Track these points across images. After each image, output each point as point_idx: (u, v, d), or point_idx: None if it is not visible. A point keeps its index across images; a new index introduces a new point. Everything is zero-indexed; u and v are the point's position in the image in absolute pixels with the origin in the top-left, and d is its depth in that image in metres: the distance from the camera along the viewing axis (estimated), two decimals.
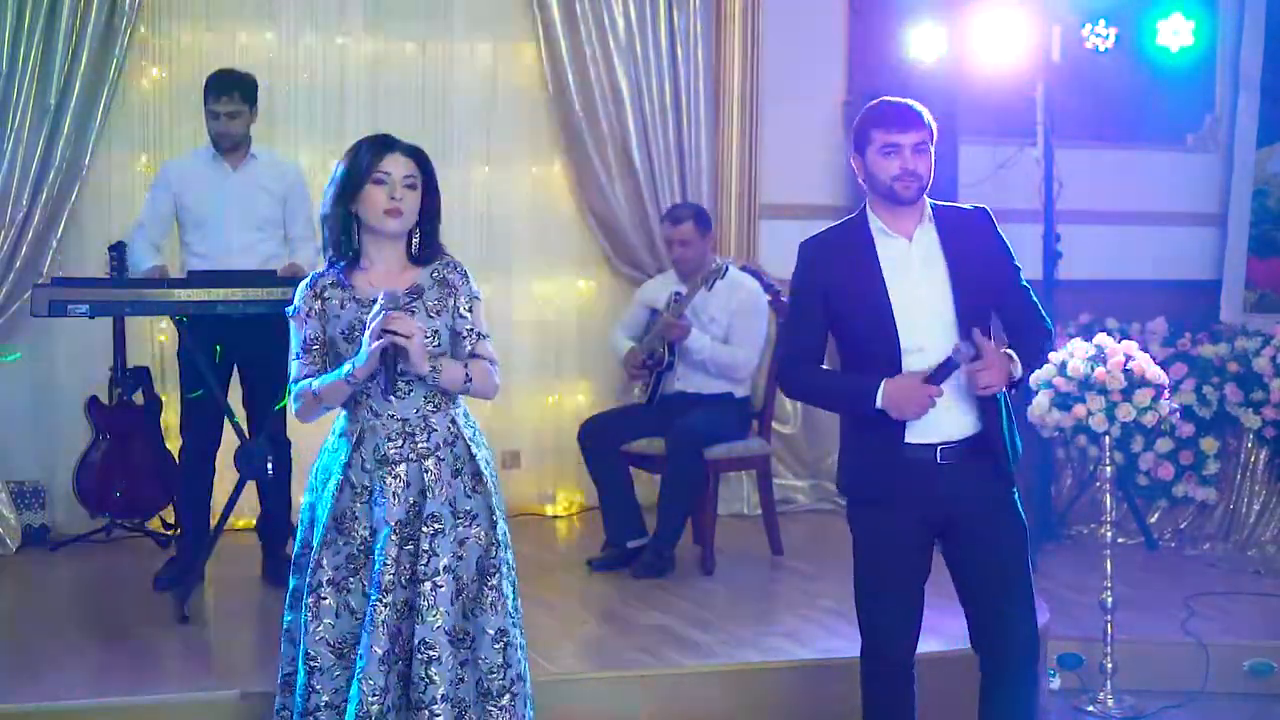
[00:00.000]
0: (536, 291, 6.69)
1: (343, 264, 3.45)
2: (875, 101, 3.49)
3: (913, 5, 6.48)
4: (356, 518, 3.40)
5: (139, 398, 5.96)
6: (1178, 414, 4.82)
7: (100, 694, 4.05)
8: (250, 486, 5.14)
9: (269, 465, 4.94)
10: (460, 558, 3.40)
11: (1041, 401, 4.68)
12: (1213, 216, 7.35)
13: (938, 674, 3.80)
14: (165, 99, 6.16)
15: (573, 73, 6.51)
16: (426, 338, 3.36)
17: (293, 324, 3.48)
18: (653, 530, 5.55)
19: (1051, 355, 4.51)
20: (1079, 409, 4.60)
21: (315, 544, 3.42)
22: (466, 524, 3.43)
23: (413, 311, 3.38)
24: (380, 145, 3.42)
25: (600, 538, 5.73)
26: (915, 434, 3.38)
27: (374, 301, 3.36)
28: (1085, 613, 4.81)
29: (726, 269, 5.61)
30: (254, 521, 5.53)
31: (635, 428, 5.69)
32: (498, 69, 6.59)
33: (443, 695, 3.32)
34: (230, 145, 5.28)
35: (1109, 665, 4.55)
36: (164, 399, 5.99)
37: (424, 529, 3.37)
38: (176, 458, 5.50)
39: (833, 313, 3.46)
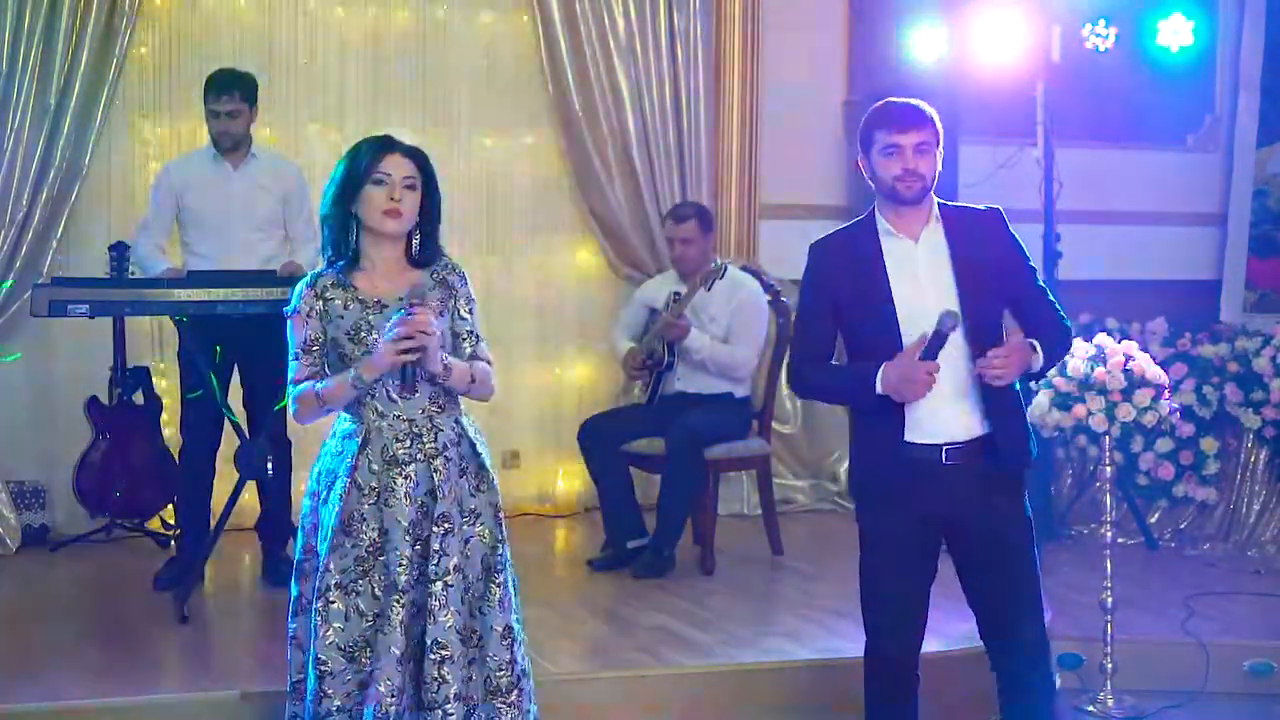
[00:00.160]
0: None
1: (342, 264, 3.44)
2: (881, 102, 3.49)
3: (913, 6, 6.47)
4: (364, 519, 3.38)
5: (139, 398, 5.96)
6: (1178, 414, 4.81)
7: (100, 694, 4.05)
8: (250, 486, 5.15)
9: (269, 465, 4.95)
10: (467, 556, 3.40)
11: (1041, 401, 4.68)
12: (1213, 216, 7.36)
13: (938, 674, 3.79)
14: (165, 98, 6.16)
15: (573, 73, 6.52)
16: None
17: (291, 324, 3.45)
18: (653, 530, 5.55)
19: None
20: (1079, 409, 4.59)
21: (322, 550, 3.40)
22: (472, 523, 3.43)
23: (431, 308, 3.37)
24: (380, 146, 3.41)
25: (600, 538, 5.73)
26: (919, 434, 3.38)
27: (377, 302, 3.36)
28: (1085, 613, 4.81)
29: (726, 269, 5.60)
30: (254, 521, 5.53)
31: (635, 428, 5.69)
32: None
33: (455, 694, 3.32)
34: (230, 145, 5.28)
35: (1109, 665, 4.55)
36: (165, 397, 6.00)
37: (434, 529, 3.36)
38: (176, 458, 5.50)
39: (840, 313, 3.47)
